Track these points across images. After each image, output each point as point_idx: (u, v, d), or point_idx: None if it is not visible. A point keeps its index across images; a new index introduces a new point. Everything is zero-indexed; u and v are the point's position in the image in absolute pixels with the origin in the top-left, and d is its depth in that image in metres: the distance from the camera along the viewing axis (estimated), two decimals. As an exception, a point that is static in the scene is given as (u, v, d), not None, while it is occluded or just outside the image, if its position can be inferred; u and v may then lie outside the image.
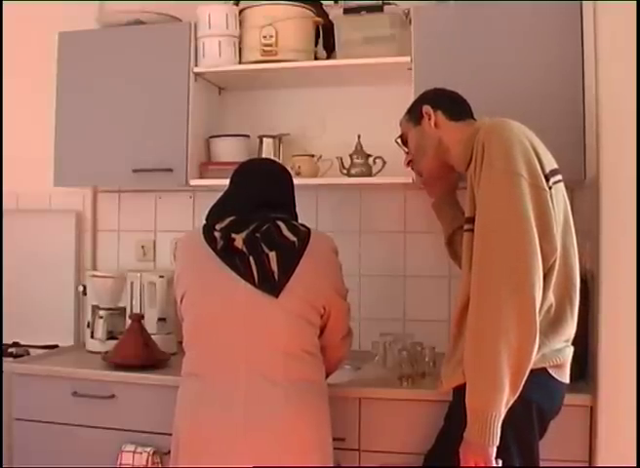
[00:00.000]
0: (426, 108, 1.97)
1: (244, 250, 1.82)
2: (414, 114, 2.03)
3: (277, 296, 1.78)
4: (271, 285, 1.79)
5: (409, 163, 2.12)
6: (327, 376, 2.01)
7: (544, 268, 1.63)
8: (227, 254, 1.82)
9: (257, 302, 1.79)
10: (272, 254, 1.81)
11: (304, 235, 1.87)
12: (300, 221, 1.98)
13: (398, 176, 2.40)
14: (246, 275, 1.79)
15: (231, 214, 1.89)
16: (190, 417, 1.80)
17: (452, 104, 1.98)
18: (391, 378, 2.19)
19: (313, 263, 1.84)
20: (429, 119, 1.96)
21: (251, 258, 1.81)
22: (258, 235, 1.83)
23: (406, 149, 2.11)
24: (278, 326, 1.79)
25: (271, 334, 1.79)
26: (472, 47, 2.27)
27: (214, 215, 1.94)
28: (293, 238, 1.84)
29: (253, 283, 1.79)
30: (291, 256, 1.82)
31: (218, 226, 1.87)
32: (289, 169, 2.13)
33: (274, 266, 1.80)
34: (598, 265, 1.99)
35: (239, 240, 1.83)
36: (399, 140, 2.12)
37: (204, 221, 1.95)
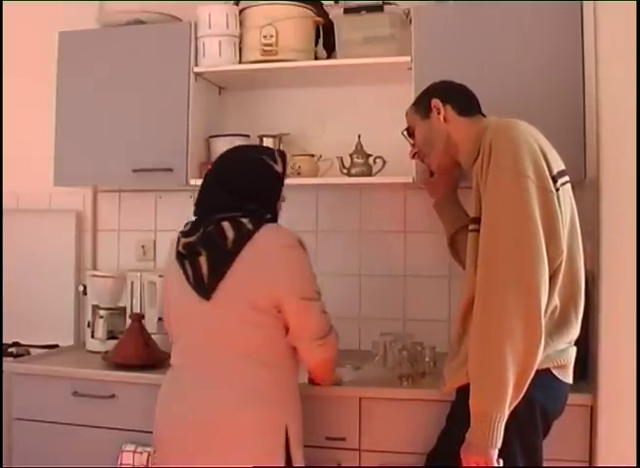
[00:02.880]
0: (435, 102, 1.94)
1: (184, 253, 1.86)
2: (422, 107, 1.99)
3: (208, 299, 1.78)
4: (202, 287, 1.80)
5: (414, 155, 2.08)
6: (315, 383, 1.99)
7: (550, 270, 1.63)
8: (177, 258, 1.88)
9: (195, 305, 1.81)
10: (203, 257, 1.81)
11: (246, 233, 1.79)
12: (279, 213, 1.95)
13: (398, 176, 2.40)
14: (187, 278, 1.83)
15: (194, 217, 1.93)
16: (157, 412, 1.88)
17: (461, 99, 1.95)
18: (391, 378, 2.19)
19: (252, 262, 1.77)
20: (438, 113, 1.93)
21: (186, 262, 1.84)
22: (198, 238, 1.84)
23: (412, 141, 2.08)
24: (215, 328, 1.80)
25: (212, 337, 1.81)
26: (472, 47, 2.27)
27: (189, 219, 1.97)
28: (231, 237, 1.79)
29: (191, 286, 1.82)
30: (221, 257, 1.78)
31: (180, 230, 1.92)
32: (273, 163, 1.95)
33: (204, 268, 1.80)
34: (598, 265, 1.99)
35: (183, 244, 1.87)
36: (405, 132, 2.09)
37: None
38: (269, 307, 1.77)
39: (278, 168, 1.93)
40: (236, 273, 1.77)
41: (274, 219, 1.92)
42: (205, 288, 1.79)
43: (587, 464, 1.98)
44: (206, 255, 1.80)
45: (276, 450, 1.76)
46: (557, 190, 1.68)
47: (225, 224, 1.81)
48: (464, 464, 1.64)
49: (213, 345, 1.81)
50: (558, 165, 1.73)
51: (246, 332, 1.78)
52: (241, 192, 1.87)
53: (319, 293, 1.85)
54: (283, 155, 1.98)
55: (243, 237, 1.78)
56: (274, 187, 1.93)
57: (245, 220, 1.81)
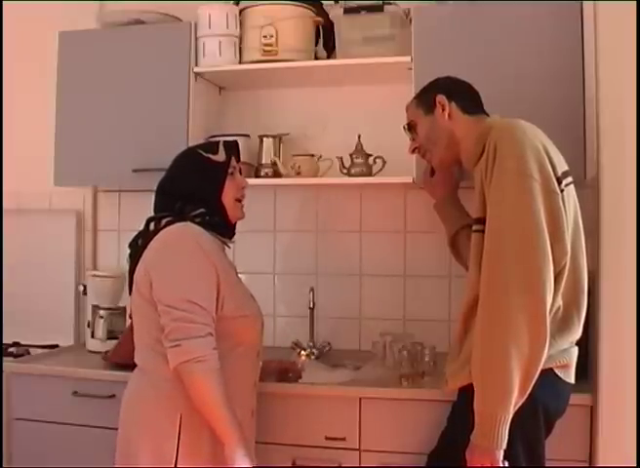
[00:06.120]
0: (441, 98, 1.91)
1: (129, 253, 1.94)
2: (425, 102, 1.96)
3: (130, 293, 1.89)
4: (130, 282, 1.90)
5: (414, 150, 2.05)
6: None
7: (555, 271, 1.62)
8: None
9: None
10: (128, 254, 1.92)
11: (152, 230, 1.84)
12: (236, 205, 1.92)
13: (398, 176, 2.40)
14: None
15: None
16: None
17: (466, 96, 1.93)
18: (391, 378, 2.19)
19: (142, 260, 1.83)
20: (443, 110, 1.90)
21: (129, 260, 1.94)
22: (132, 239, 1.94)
23: (411, 136, 2.05)
24: (135, 319, 1.89)
25: (135, 326, 1.90)
26: (472, 47, 2.27)
27: None
28: (143, 236, 1.88)
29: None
30: (134, 255, 1.88)
31: None
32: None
33: (128, 266, 1.91)
34: (598, 265, 1.99)
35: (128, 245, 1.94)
36: (406, 127, 2.05)
37: None
38: (154, 301, 1.78)
39: (218, 157, 1.90)
40: (138, 269, 1.84)
41: (216, 215, 1.88)
42: (130, 283, 1.89)
43: (587, 464, 1.98)
44: (129, 254, 1.91)
45: (169, 436, 1.76)
46: (562, 191, 1.68)
47: (151, 224, 1.87)
48: (469, 465, 1.64)
49: (135, 334, 1.90)
50: (562, 166, 1.73)
51: (143, 324, 1.84)
52: (169, 193, 1.91)
53: (190, 302, 1.71)
54: (228, 144, 1.93)
55: (148, 235, 1.84)
56: (209, 180, 1.89)
57: (164, 220, 1.85)
